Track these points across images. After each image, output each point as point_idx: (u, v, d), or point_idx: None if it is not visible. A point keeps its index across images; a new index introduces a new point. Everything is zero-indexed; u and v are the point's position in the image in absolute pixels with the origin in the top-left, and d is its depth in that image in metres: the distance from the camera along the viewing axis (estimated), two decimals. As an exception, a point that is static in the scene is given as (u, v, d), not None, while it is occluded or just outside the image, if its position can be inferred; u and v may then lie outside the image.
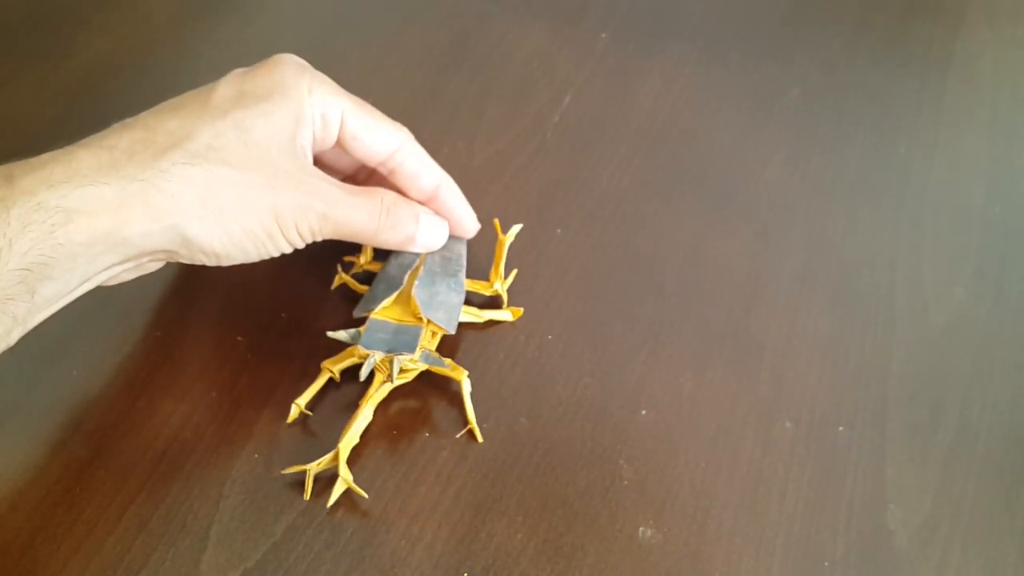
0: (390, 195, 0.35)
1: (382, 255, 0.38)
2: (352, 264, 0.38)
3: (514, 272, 0.38)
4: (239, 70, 0.33)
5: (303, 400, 0.34)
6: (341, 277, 0.38)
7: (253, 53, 0.49)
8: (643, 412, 0.35)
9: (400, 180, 0.36)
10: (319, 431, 0.34)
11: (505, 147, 0.44)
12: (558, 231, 0.41)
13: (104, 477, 0.33)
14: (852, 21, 0.51)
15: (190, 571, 0.30)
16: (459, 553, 0.31)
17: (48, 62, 0.47)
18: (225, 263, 0.32)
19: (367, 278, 0.38)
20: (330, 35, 0.49)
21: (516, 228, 0.38)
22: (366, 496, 0.32)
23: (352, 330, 0.34)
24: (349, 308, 0.37)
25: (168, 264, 0.39)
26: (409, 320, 0.35)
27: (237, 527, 0.31)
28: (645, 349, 0.37)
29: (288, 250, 0.33)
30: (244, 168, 0.30)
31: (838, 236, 0.41)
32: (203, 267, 0.36)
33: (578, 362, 0.36)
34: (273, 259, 0.39)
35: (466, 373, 0.34)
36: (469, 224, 0.38)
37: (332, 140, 0.34)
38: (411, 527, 0.32)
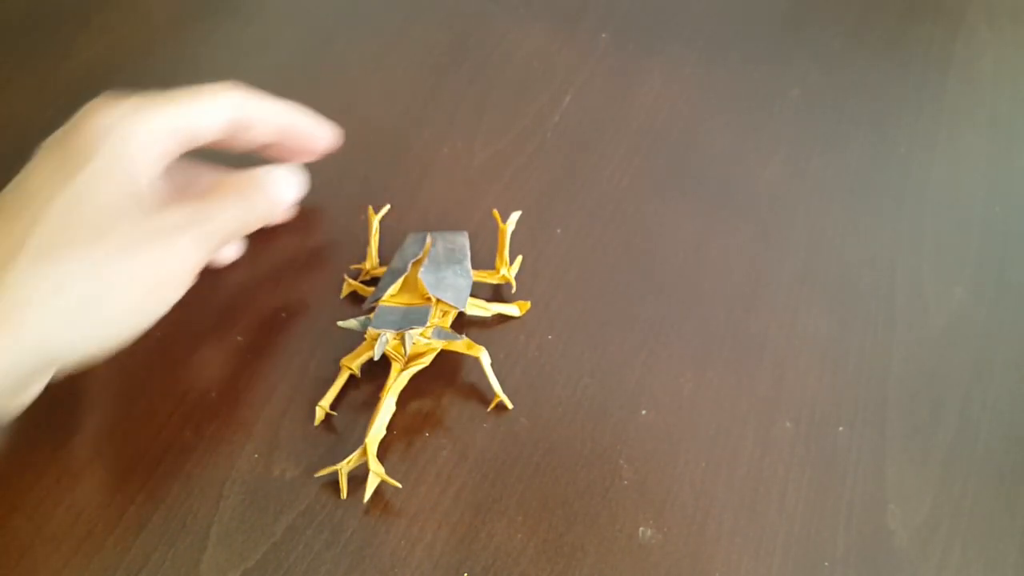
0: (230, 178, 0.34)
1: (388, 260, 0.38)
2: (359, 272, 0.38)
3: (519, 259, 0.38)
4: (47, 142, 0.31)
5: (326, 401, 0.34)
6: (350, 284, 0.38)
7: (253, 53, 0.49)
8: (643, 412, 0.35)
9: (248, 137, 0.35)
10: (321, 429, 0.34)
11: (505, 147, 0.44)
12: (558, 231, 0.41)
13: (104, 477, 0.33)
14: (852, 21, 0.51)
15: (190, 571, 0.30)
16: (459, 553, 0.31)
17: (48, 62, 0.47)
18: (110, 353, 0.31)
19: (375, 284, 0.38)
20: (330, 35, 0.49)
21: (515, 215, 0.38)
22: (400, 486, 0.32)
23: (362, 317, 0.34)
24: (350, 306, 0.37)
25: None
26: (418, 303, 0.35)
27: (237, 527, 0.31)
28: (645, 349, 0.37)
29: (183, 292, 0.32)
30: (92, 242, 0.28)
31: (838, 236, 0.41)
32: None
33: (578, 362, 0.36)
34: (273, 259, 0.39)
35: (484, 349, 0.34)
36: (322, 134, 0.37)
37: (196, 144, 0.33)
38: (411, 527, 0.32)
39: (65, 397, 0.35)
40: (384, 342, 0.33)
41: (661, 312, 0.38)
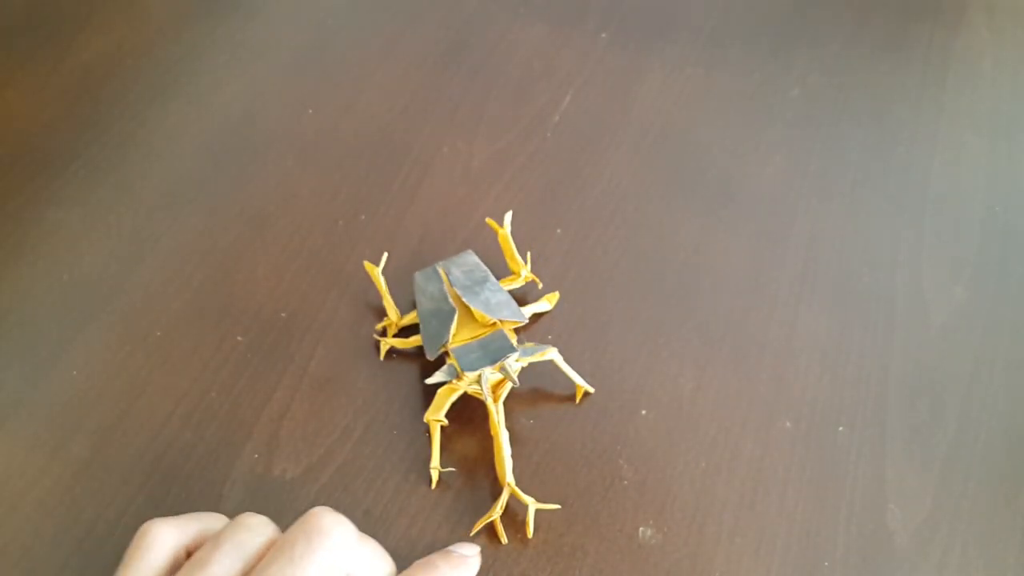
0: None
1: (406, 307, 0.37)
2: (385, 330, 0.37)
3: (528, 255, 0.38)
4: None
5: (435, 461, 0.33)
6: (386, 343, 0.36)
7: (253, 53, 0.49)
8: (643, 412, 0.35)
9: None
10: (320, 429, 0.34)
11: (505, 147, 0.44)
12: (558, 231, 0.41)
13: (104, 477, 0.33)
14: (852, 21, 0.51)
15: (190, 571, 0.30)
16: (459, 553, 0.31)
17: (48, 62, 0.47)
18: None
19: (405, 334, 0.37)
20: (330, 35, 0.49)
21: (508, 215, 0.38)
22: (559, 507, 0.32)
23: (445, 367, 0.34)
24: (350, 307, 0.37)
25: (166, 263, 0.39)
26: (482, 332, 0.34)
27: (237, 527, 0.31)
28: (645, 349, 0.37)
29: None
30: None
31: (838, 236, 0.41)
32: (202, 267, 0.36)
33: (578, 362, 0.36)
34: (273, 259, 0.40)
35: (553, 348, 0.34)
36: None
37: None
38: (411, 527, 0.32)
39: (65, 397, 0.35)
40: (488, 378, 0.32)
41: (661, 312, 0.38)
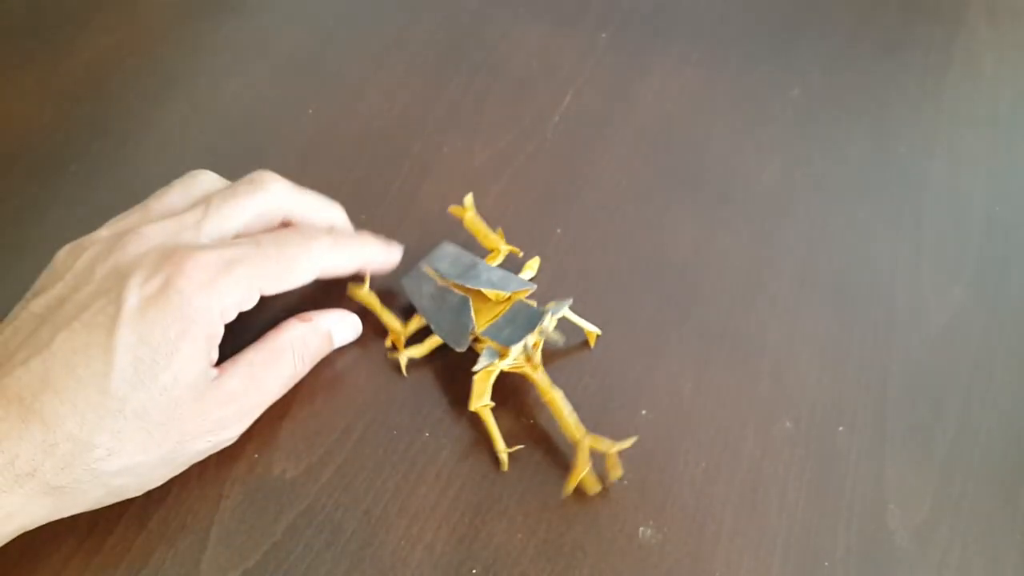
0: (286, 335, 0.33)
1: (405, 313, 0.37)
2: (394, 346, 0.36)
3: (499, 229, 0.38)
4: (134, 306, 0.28)
5: (500, 445, 0.33)
6: (403, 355, 0.35)
7: (253, 53, 0.49)
8: (643, 412, 0.35)
9: None
10: (314, 431, 0.34)
11: (505, 147, 0.44)
12: (558, 231, 0.41)
13: (104, 477, 0.33)
14: (852, 21, 0.51)
15: (190, 571, 0.30)
16: (459, 553, 0.31)
17: (48, 62, 0.47)
18: None
19: (417, 340, 0.36)
20: (330, 35, 0.49)
21: (468, 198, 0.38)
22: (636, 438, 0.33)
23: (486, 351, 0.34)
24: (350, 307, 0.37)
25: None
26: (500, 309, 0.34)
27: (237, 527, 0.31)
28: (645, 349, 0.37)
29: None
30: (149, 448, 0.29)
31: (838, 236, 0.41)
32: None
33: (578, 362, 0.36)
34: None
35: (567, 301, 0.35)
36: (384, 258, 0.37)
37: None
38: (411, 527, 0.32)
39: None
40: (530, 342, 0.33)
41: (661, 312, 0.38)
